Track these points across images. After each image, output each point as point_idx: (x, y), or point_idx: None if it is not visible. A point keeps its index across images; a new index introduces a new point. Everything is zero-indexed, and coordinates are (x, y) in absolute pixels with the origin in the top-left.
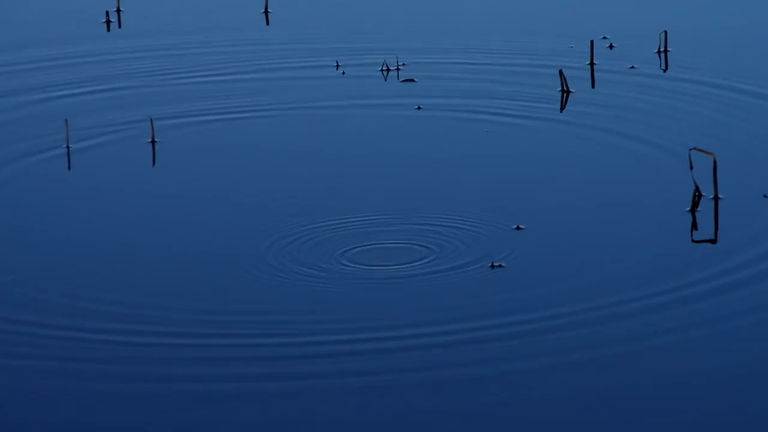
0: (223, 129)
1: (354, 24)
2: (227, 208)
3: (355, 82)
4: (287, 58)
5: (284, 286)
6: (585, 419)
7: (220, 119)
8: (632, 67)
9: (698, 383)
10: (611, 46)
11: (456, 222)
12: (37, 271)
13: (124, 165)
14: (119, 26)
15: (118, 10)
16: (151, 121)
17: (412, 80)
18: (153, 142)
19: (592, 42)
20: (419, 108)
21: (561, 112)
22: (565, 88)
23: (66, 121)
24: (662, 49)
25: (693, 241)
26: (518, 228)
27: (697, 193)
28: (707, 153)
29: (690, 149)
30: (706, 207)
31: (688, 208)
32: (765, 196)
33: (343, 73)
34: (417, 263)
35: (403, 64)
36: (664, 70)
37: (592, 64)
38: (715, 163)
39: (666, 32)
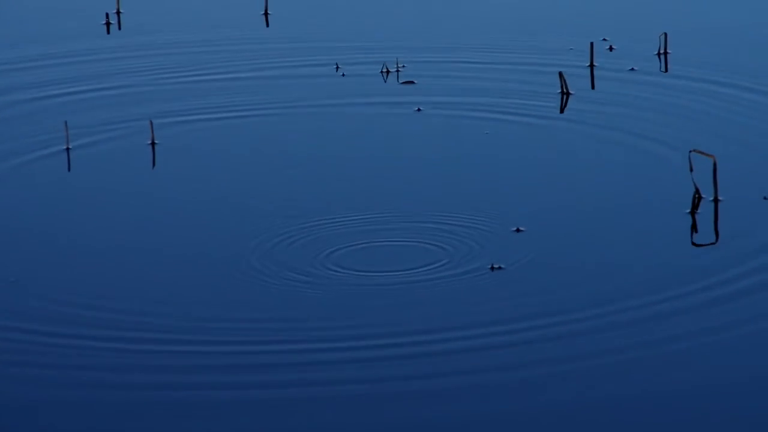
0: (223, 129)
1: (354, 25)
2: (226, 210)
3: (355, 83)
4: (287, 58)
5: (283, 290)
6: (591, 427)
7: (219, 118)
8: (632, 68)
9: (702, 392)
10: (611, 48)
11: (455, 224)
12: (32, 276)
13: (123, 165)
14: (119, 28)
15: (118, 12)
16: (151, 122)
17: (411, 82)
18: (153, 144)
19: (591, 44)
20: (419, 110)
21: (561, 113)
22: (564, 90)
23: (66, 122)
24: (662, 51)
25: (693, 243)
26: (518, 230)
27: (697, 195)
28: (707, 155)
29: (690, 151)
30: (706, 209)
31: (688, 210)
32: (765, 198)
33: (343, 74)
34: (416, 265)
35: (403, 66)
36: (664, 72)
37: (591, 65)
38: (715, 165)
39: (666, 34)
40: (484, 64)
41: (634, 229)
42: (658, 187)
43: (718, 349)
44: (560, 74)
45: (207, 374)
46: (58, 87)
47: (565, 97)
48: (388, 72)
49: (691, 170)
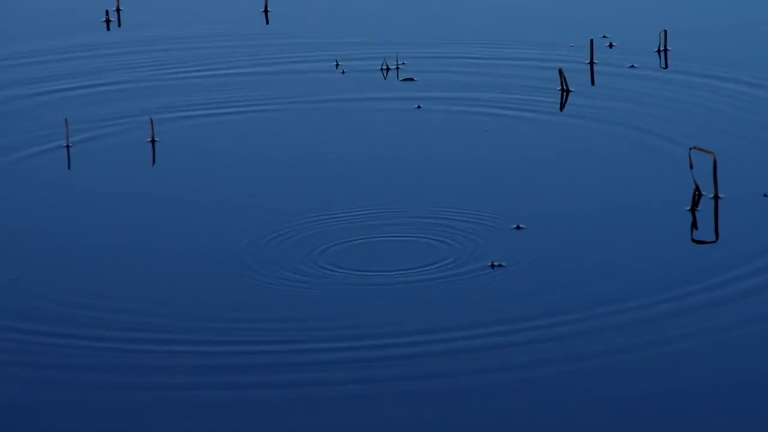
0: (223, 125)
1: (354, 22)
2: (226, 208)
3: (354, 80)
4: (287, 54)
5: (283, 290)
6: (591, 428)
7: (219, 114)
8: (632, 65)
9: (702, 392)
10: (611, 45)
11: (455, 221)
12: (31, 275)
13: (122, 161)
14: (119, 25)
15: (118, 9)
16: (151, 119)
17: (411, 79)
18: (153, 141)
19: (591, 41)
20: (419, 107)
21: (560, 110)
22: (564, 87)
23: (65, 119)
24: (662, 48)
25: (693, 240)
26: (518, 227)
27: (697, 193)
28: (707, 152)
29: (690, 148)
30: (706, 206)
31: (689, 208)
32: (765, 195)
33: (343, 72)
34: (415, 263)
35: (403, 63)
36: (664, 68)
37: (591, 62)
38: (715, 162)
39: (666, 31)
40: (483, 62)
41: (634, 226)
42: (658, 184)
43: (718, 349)
44: (560, 71)
45: (207, 374)
46: (58, 83)
47: (564, 94)
48: (388, 69)
49: (692, 167)
